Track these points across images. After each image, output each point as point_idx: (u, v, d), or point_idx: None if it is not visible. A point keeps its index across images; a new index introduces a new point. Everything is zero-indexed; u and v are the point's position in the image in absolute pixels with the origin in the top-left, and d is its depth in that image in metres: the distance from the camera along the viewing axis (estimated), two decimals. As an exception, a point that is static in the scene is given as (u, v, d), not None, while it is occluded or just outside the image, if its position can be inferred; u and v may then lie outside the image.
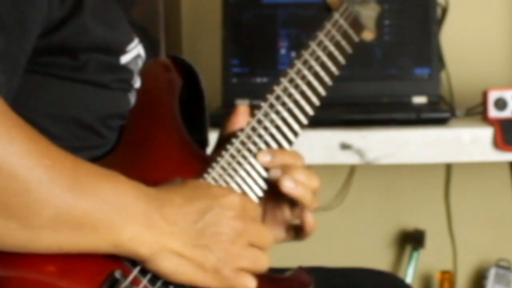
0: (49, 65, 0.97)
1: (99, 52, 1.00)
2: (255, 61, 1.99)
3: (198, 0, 2.21)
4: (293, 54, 1.97)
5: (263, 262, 1.02)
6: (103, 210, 0.91)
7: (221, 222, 0.98)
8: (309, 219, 1.11)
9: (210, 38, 2.13)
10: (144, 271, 0.96)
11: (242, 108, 1.11)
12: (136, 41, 1.07)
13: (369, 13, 1.27)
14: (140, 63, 1.08)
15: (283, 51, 1.99)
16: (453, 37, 2.14)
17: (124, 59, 1.04)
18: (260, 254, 1.01)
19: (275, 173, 1.09)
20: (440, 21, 2.10)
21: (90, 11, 0.97)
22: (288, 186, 1.07)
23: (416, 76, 1.97)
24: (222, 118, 1.13)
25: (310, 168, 1.11)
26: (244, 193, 1.06)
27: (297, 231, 1.14)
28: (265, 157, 1.08)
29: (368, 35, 1.27)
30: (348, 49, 1.19)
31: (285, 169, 1.09)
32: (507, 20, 2.17)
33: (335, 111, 1.76)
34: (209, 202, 0.99)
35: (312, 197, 1.10)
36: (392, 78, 1.97)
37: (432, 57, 1.97)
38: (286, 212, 1.13)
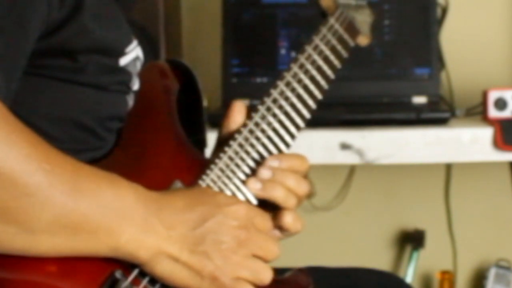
0: (48, 67, 0.97)
1: (98, 53, 1.00)
2: (255, 61, 1.99)
3: (198, 0, 2.21)
4: (293, 54, 1.97)
5: (265, 274, 1.00)
6: (101, 214, 0.92)
7: (222, 231, 0.98)
8: (288, 219, 1.06)
9: (210, 38, 2.13)
10: (144, 272, 0.96)
11: (238, 105, 1.10)
12: (135, 43, 1.07)
13: (364, 18, 1.27)
14: (138, 65, 1.08)
15: (283, 51, 1.99)
16: (453, 37, 2.14)
17: (123, 61, 1.04)
18: (262, 266, 1.00)
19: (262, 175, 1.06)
20: (440, 21, 2.10)
21: (89, 13, 0.97)
22: (251, 185, 1.05)
23: (416, 76, 1.97)
24: (222, 118, 1.13)
25: (305, 175, 1.08)
26: (253, 204, 1.04)
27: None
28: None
29: (363, 40, 1.27)
30: (344, 53, 1.19)
31: (275, 171, 1.06)
32: (507, 20, 2.17)
33: (335, 111, 1.76)
34: (212, 209, 0.98)
35: (291, 198, 1.06)
36: (392, 78, 1.97)
37: (432, 57, 1.97)
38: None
